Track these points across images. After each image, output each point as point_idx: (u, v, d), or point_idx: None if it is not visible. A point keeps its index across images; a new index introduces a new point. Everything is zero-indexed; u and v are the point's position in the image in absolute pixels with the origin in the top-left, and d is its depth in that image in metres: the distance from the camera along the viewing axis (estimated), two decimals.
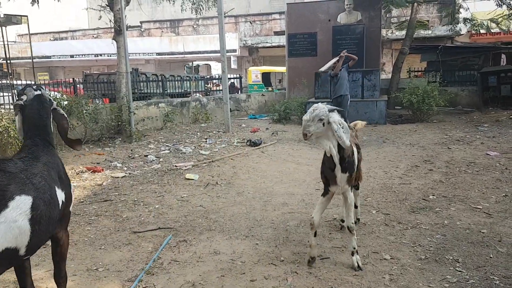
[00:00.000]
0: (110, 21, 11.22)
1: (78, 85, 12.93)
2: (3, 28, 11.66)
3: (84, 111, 9.96)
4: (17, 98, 3.02)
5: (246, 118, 15.20)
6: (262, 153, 9.02)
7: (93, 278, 3.71)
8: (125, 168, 8.05)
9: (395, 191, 6.06)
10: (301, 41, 15.82)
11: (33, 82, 13.21)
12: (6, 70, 27.84)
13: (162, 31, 30.43)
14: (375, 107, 12.82)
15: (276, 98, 16.90)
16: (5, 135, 8.18)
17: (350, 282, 3.53)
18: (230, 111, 12.78)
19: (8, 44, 11.65)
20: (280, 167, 7.86)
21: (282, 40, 22.42)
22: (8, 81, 12.38)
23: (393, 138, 10.42)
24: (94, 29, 31.92)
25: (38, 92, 3.03)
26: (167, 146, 10.24)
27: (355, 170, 3.77)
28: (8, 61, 11.74)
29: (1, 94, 11.21)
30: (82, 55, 28.42)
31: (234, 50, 26.33)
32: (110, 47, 23.39)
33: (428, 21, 25.17)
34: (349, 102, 10.32)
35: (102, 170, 7.76)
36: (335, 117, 3.49)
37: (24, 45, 27.01)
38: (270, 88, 20.83)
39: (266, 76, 21.61)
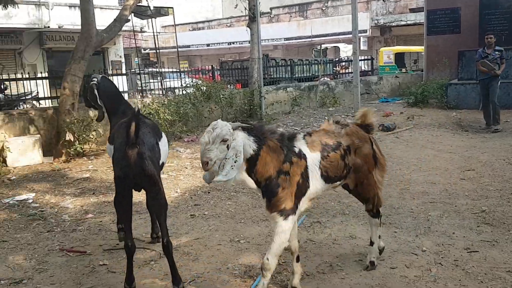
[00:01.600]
0: (245, 9, 11.68)
1: (215, 72, 13.83)
2: (153, 19, 12.95)
3: (221, 96, 10.63)
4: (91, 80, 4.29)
5: (377, 101, 14.59)
6: (397, 139, 8.59)
7: (236, 249, 3.98)
8: None
9: None
10: (442, 18, 14.49)
11: (175, 70, 14.52)
12: (152, 59, 31.06)
13: (291, 16, 30.69)
14: None
15: (411, 80, 15.85)
16: (156, 116, 9.14)
17: (503, 278, 3.21)
18: (360, 95, 12.41)
19: (157, 35, 12.95)
20: (417, 153, 7.39)
21: (419, 17, 20.86)
22: (157, 69, 13.81)
23: None
24: (227, 18, 33.61)
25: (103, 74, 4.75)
26: (295, 129, 10.39)
27: (276, 195, 2.89)
28: (158, 51, 13.08)
29: (151, 80, 12.56)
30: (217, 43, 30.19)
31: (365, 31, 25.28)
32: (242, 35, 24.43)
33: None
34: (499, 83, 9.19)
35: None
36: (239, 139, 2.78)
37: (168, 35, 29.69)
38: (404, 70, 19.62)
39: (399, 57, 20.36)
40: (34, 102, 11.13)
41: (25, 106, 10.68)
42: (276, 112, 12.72)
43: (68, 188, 6.26)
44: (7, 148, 7.50)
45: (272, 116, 11.86)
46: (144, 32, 18.38)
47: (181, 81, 11.56)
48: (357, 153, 3.27)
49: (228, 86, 13.01)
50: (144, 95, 11.16)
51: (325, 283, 3.32)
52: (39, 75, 10.05)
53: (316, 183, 3.09)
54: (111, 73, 11.21)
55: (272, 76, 15.14)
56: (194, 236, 4.31)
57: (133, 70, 13.98)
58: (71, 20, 13.43)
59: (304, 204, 3.08)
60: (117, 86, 4.57)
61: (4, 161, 7.53)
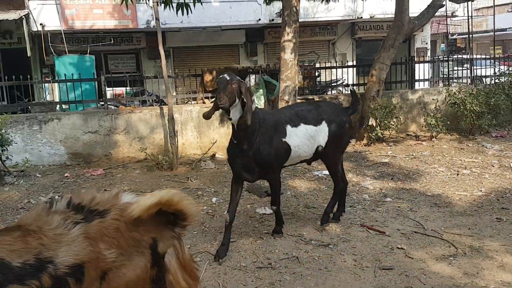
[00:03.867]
0: None
1: None
2: (468, 2, 11.93)
3: None
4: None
5: None
6: None
7: None
8: None
9: None
10: None
11: (484, 56, 13.02)
12: (459, 45, 28.70)
13: None
14: None
15: None
16: (461, 107, 8.54)
17: None
18: None
19: (471, 18, 11.92)
20: None
21: None
22: (466, 56, 12.75)
23: None
24: None
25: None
26: None
27: None
28: (470, 36, 12.04)
29: (458, 68, 11.69)
30: None
31: None
32: None
33: None
34: None
35: None
36: None
37: (480, 19, 26.88)
38: None
39: None
40: (340, 88, 12.24)
41: (333, 92, 11.87)
42: None
43: (368, 170, 6.67)
44: None
45: None
46: (455, 16, 17.24)
47: (494, 69, 10.32)
48: (107, 280, 1.56)
49: None
50: (449, 83, 10.52)
51: None
52: (349, 63, 10.89)
53: None
54: (416, 60, 11.02)
55: None
56: (500, 242, 3.88)
57: (439, 57, 13.31)
58: (383, 9, 13.95)
59: None
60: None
61: None
